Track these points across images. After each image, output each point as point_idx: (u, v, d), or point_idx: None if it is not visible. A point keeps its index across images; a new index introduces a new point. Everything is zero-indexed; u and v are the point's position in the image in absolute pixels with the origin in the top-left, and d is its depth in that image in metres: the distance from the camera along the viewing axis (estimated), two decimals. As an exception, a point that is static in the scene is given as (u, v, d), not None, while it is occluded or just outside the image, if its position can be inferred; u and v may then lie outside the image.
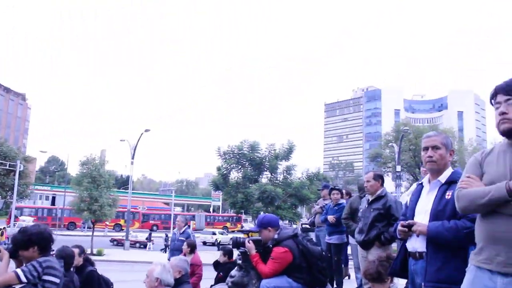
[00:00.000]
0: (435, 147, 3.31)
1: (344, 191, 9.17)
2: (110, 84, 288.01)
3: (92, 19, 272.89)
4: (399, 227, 3.31)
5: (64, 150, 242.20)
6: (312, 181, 28.43)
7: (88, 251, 29.37)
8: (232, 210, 39.58)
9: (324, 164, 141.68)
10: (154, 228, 66.48)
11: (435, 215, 3.15)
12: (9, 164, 30.28)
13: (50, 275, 3.90)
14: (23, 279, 3.80)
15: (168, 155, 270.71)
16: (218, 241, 39.91)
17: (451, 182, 3.17)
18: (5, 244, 4.22)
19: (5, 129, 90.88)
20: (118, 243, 39.52)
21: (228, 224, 74.02)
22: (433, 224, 3.10)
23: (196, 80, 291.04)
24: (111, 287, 5.95)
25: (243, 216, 61.69)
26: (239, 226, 74.12)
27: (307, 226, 12.90)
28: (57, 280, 3.96)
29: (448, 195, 3.14)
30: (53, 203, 73.81)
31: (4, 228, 33.56)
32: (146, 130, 38.57)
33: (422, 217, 3.25)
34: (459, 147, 55.95)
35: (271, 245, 4.93)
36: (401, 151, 35.59)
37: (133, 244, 39.89)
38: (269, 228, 4.99)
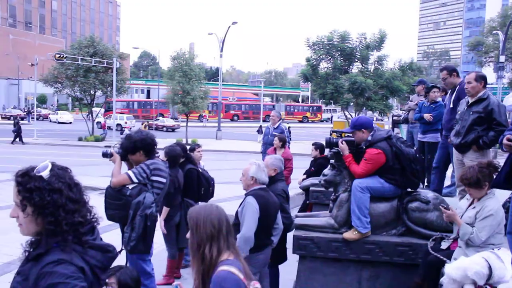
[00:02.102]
0: None
1: (440, 87, 8.75)
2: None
3: None
4: (505, 141, 3.13)
5: (155, 45, 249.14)
6: (405, 71, 27.20)
7: (183, 141, 31.23)
8: (321, 101, 39.37)
9: (417, 54, 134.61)
10: (235, 118, 68.71)
11: None
12: (107, 62, 31.90)
13: (158, 176, 4.32)
14: (134, 179, 4.24)
15: (256, 46, 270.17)
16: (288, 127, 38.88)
17: None
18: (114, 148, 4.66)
19: (99, 28, 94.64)
20: (109, 128, 38.56)
21: (308, 114, 73.88)
22: None
23: None
24: (211, 184, 6.25)
25: (332, 107, 60.94)
26: (319, 116, 73.91)
27: (398, 119, 12.65)
28: (163, 180, 4.39)
29: None
30: (148, 96, 77.81)
31: (147, 122, 37.49)
32: (234, 23, 38.35)
33: None
34: None
35: (364, 147, 4.94)
36: (507, 39, 32.48)
37: (161, 128, 43.45)
38: (363, 129, 4.98)
